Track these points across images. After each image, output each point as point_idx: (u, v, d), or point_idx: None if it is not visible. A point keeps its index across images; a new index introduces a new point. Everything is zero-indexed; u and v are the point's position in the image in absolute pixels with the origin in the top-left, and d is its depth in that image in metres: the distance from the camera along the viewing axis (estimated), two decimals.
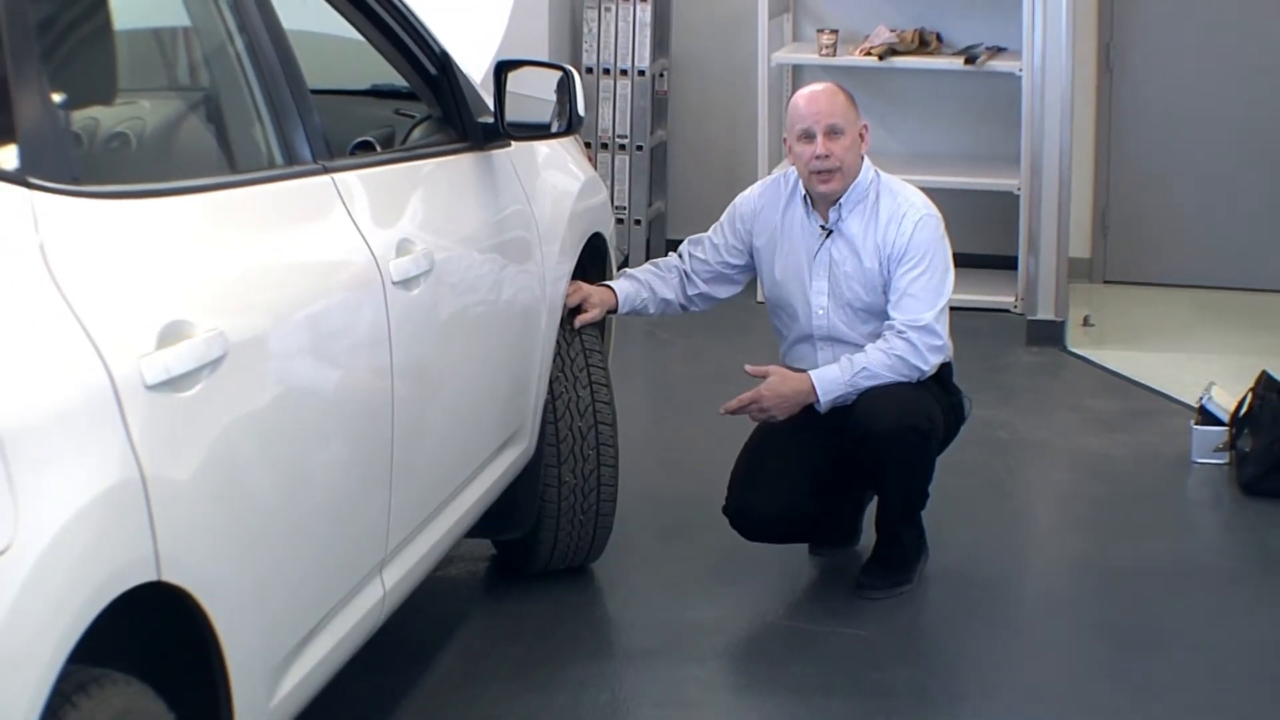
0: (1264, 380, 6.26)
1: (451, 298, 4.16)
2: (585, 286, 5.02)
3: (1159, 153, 8.66)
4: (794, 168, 5.10)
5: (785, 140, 5.12)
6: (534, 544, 5.08)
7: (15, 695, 2.45)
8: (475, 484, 4.43)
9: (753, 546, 5.11)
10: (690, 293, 5.26)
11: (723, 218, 5.27)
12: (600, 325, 5.18)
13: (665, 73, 8.95)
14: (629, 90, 8.64)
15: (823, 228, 5.04)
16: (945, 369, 5.09)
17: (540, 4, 7.99)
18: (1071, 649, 4.94)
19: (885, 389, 4.87)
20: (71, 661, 2.56)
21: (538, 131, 4.66)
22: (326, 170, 3.74)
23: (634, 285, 5.16)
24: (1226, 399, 6.33)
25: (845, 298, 5.04)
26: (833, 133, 4.92)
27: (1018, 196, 7.99)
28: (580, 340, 5.04)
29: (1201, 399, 6.41)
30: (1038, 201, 7.81)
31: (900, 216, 4.99)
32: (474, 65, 4.69)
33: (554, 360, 4.93)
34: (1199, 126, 8.58)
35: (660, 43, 8.78)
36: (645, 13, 8.49)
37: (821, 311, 5.07)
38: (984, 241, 8.04)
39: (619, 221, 7.87)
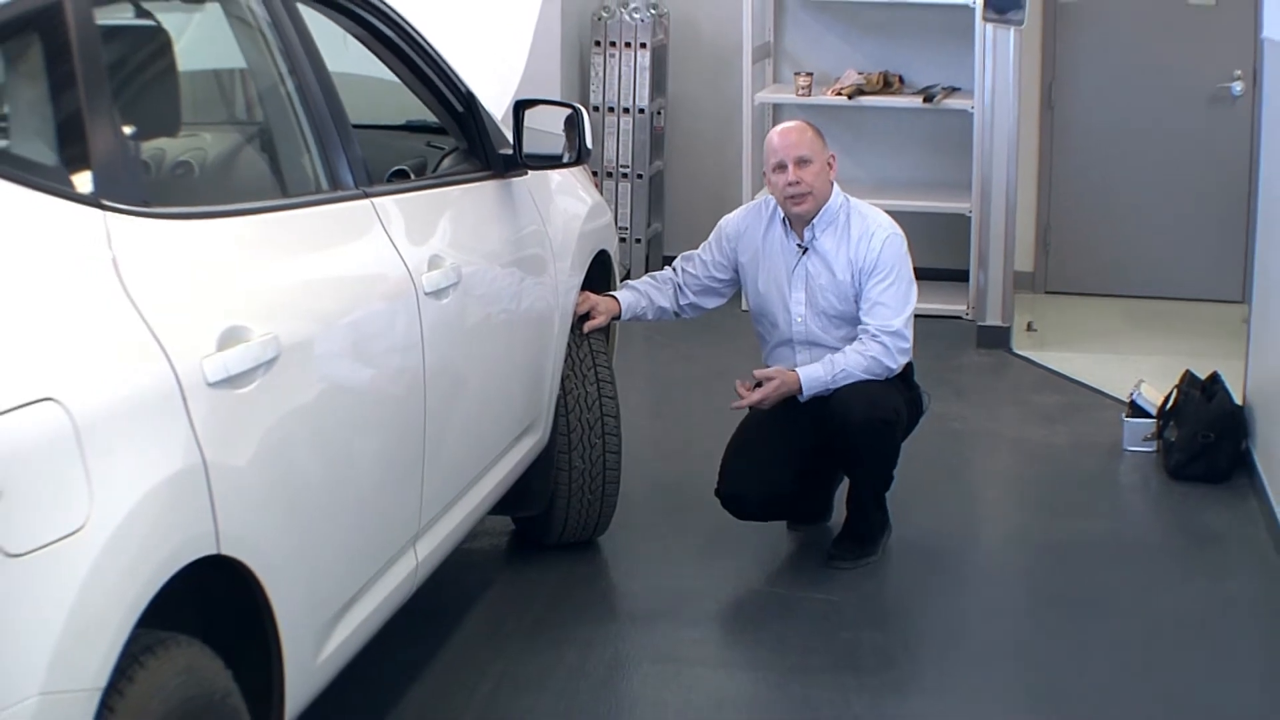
0: (1187, 378, 6.26)
1: (476, 306, 4.16)
2: (593, 296, 5.02)
3: (1093, 178, 8.66)
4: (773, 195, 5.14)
5: (765, 172, 5.16)
6: (548, 520, 5.09)
7: (90, 657, 2.45)
8: (497, 468, 4.43)
9: (739, 523, 5.12)
10: (682, 302, 5.29)
11: (710, 237, 5.31)
12: (605, 330, 5.18)
13: (662, 110, 8.94)
14: (630, 126, 8.63)
15: (799, 246, 5.07)
16: (907, 368, 5.11)
17: (553, 49, 7.99)
18: (1019, 614, 4.94)
19: (857, 386, 4.93)
20: (140, 626, 2.56)
21: (551, 161, 4.65)
22: (366, 195, 3.74)
23: (634, 295, 5.20)
24: (1154, 394, 6.33)
25: (820, 306, 5.07)
26: (802, 162, 4.98)
27: (969, 218, 7.99)
28: (588, 343, 5.04)
29: (1132, 394, 6.41)
30: (986, 222, 7.80)
31: (870, 235, 5.02)
32: (495, 103, 4.68)
33: (565, 360, 4.92)
34: (1128, 156, 8.57)
35: (658, 84, 8.77)
36: (644, 58, 8.49)
37: (800, 319, 5.10)
38: (939, 257, 8.02)
39: (621, 240, 7.87)
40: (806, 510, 5.34)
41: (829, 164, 5.09)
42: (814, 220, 5.06)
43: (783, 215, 5.12)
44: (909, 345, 5.02)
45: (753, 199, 5.96)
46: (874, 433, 4.94)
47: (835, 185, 5.12)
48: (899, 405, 5.03)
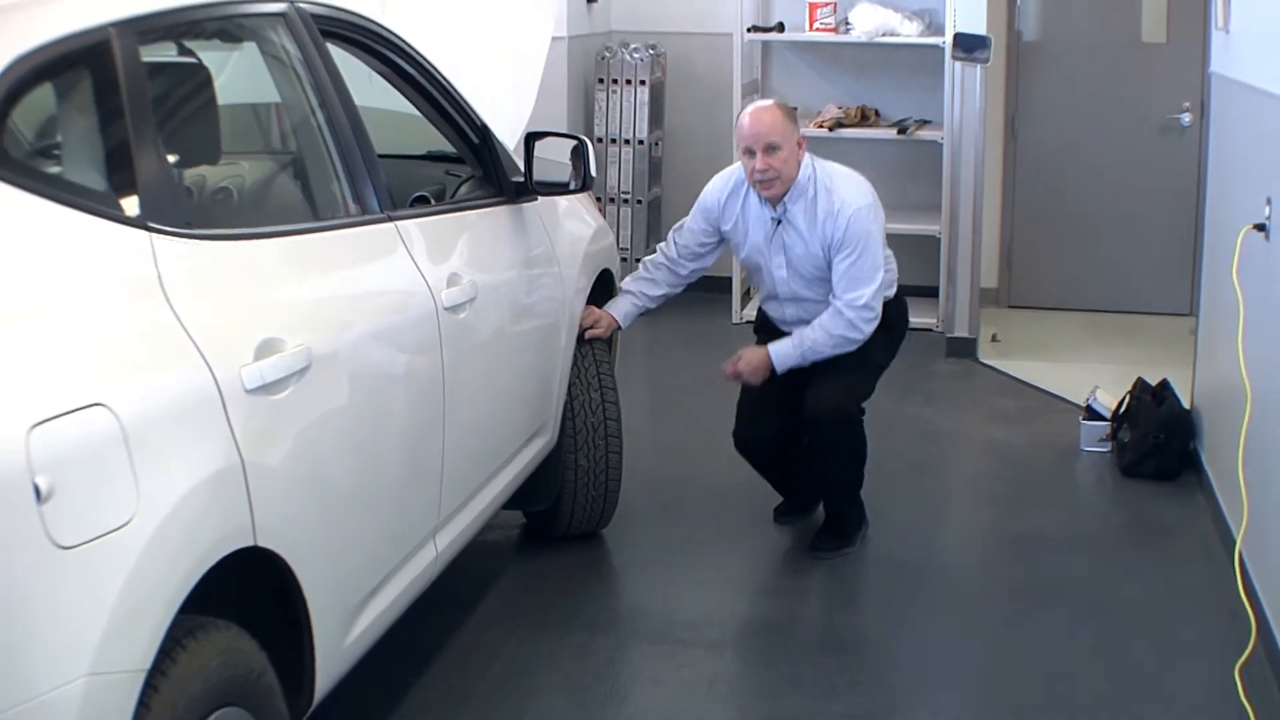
0: (1139, 384, 6.26)
1: (491, 320, 4.15)
2: (596, 311, 5.01)
3: (1053, 202, 8.65)
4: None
5: (737, 152, 4.98)
6: (556, 515, 5.09)
7: (136, 641, 2.45)
8: (509, 467, 4.43)
9: (731, 520, 5.13)
10: (682, 274, 5.18)
11: (694, 209, 5.16)
12: (608, 341, 5.17)
13: (660, 142, 8.93)
14: (631, 156, 8.63)
15: (774, 218, 4.93)
16: (889, 306, 5.03)
17: (560, 86, 7.99)
18: (983, 599, 4.92)
19: (829, 379, 4.91)
20: (182, 612, 2.56)
21: (559, 188, 4.65)
22: (390, 219, 3.74)
23: (631, 302, 5.13)
24: (1108, 399, 6.32)
25: (799, 270, 4.96)
26: (770, 149, 4.77)
27: (939, 239, 7.98)
28: (593, 353, 5.03)
29: (1088, 399, 6.41)
30: (955, 243, 7.81)
31: (835, 213, 4.83)
32: (508, 135, 4.69)
33: (572, 369, 4.92)
34: (1085, 181, 8.55)
35: (656, 118, 8.76)
36: (644, 94, 8.48)
37: (783, 279, 5.00)
38: (912, 275, 7.91)
39: (623, 259, 7.83)
40: (796, 495, 5.35)
41: (799, 145, 4.86)
42: (783, 199, 4.88)
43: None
44: (876, 314, 4.88)
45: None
46: (839, 430, 4.92)
47: (806, 157, 4.90)
48: (865, 388, 5.04)
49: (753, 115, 4.85)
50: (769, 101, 5.02)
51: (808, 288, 4.98)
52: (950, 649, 4.55)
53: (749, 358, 4.99)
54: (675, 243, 5.18)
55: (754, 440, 5.18)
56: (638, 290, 5.15)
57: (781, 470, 5.32)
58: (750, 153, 4.80)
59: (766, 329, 5.26)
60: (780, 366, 4.91)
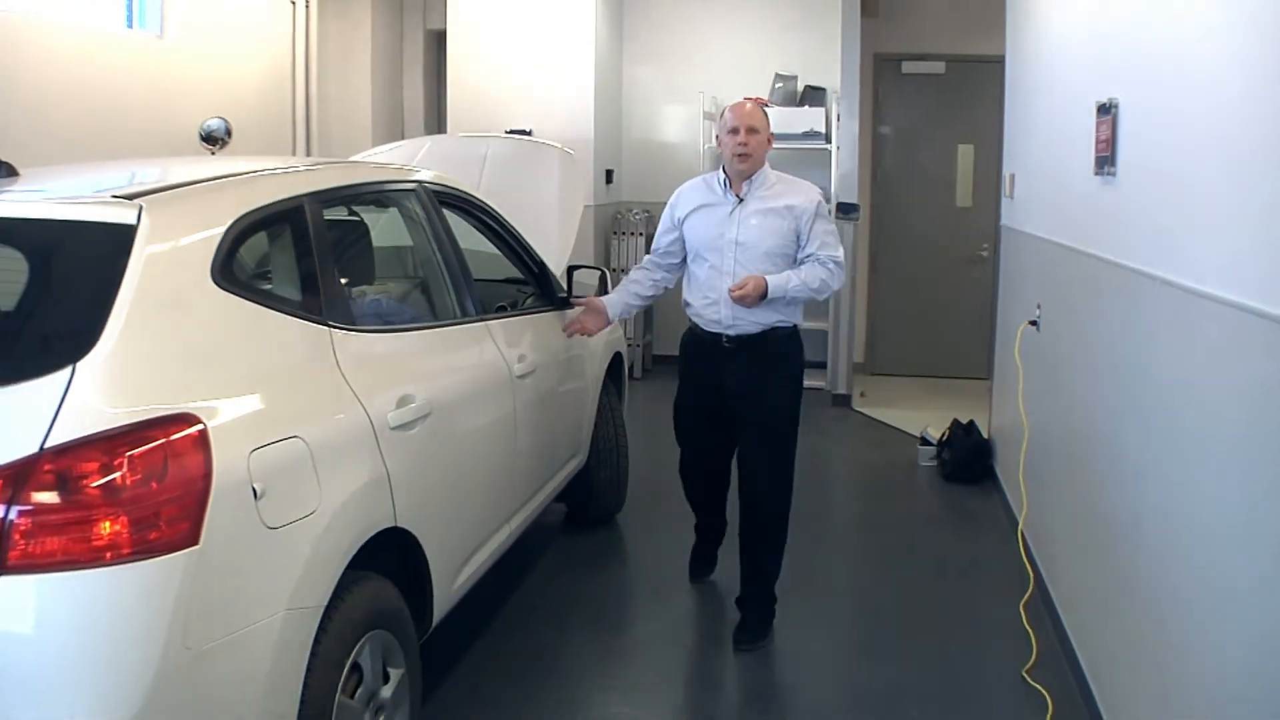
0: (954, 423, 6.23)
1: (545, 383, 4.13)
2: (587, 324, 4.31)
3: (900, 308, 8.64)
4: (716, 171, 4.01)
5: (718, 136, 4.01)
6: (586, 506, 5.03)
7: (317, 587, 2.43)
8: (556, 476, 4.39)
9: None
10: (657, 278, 4.16)
11: (661, 218, 4.15)
12: (619, 391, 5.09)
13: None
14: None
15: (738, 198, 3.89)
16: (799, 348, 4.03)
17: (589, 235, 7.98)
18: (857, 562, 4.87)
19: (762, 465, 3.97)
20: (349, 569, 2.54)
21: None
22: (482, 320, 3.73)
23: (623, 303, 4.24)
24: (935, 432, 6.30)
25: (752, 246, 3.84)
26: (751, 130, 3.85)
27: (827, 332, 7.95)
28: (609, 403, 4.98)
29: (922, 433, 6.37)
30: (837, 334, 7.75)
31: (805, 190, 3.91)
32: (556, 265, 4.68)
33: (596, 414, 4.87)
34: (924, 292, 8.55)
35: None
36: (640, 240, 8.44)
37: (730, 260, 3.86)
38: (811, 354, 7.93)
39: (630, 345, 7.84)
40: (717, 505, 4.36)
41: (769, 140, 3.94)
42: (750, 179, 3.90)
43: (722, 178, 3.95)
44: (844, 273, 3.97)
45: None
46: (770, 501, 4.02)
47: (767, 161, 3.97)
48: (790, 462, 4.03)
49: (739, 105, 3.97)
50: (752, 100, 4.19)
51: (752, 264, 3.85)
52: (829, 596, 4.50)
53: (755, 283, 3.78)
54: (653, 261, 4.18)
55: (687, 459, 4.26)
56: (629, 293, 4.24)
57: (713, 494, 4.32)
58: (735, 131, 3.87)
59: (698, 349, 4.04)
60: (773, 292, 3.79)
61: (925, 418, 6.81)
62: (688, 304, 4.00)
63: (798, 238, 3.86)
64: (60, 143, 5.24)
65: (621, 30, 8.67)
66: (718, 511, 4.40)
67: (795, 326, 3.96)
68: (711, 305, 3.90)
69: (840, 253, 3.87)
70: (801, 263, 3.86)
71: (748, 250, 3.84)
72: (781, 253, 3.85)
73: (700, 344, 3.98)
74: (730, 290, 3.79)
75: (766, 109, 4.13)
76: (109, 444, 2.05)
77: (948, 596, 4.41)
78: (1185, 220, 2.67)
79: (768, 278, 3.78)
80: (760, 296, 3.77)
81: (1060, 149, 4.25)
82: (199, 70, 6.51)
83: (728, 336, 3.89)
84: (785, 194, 3.88)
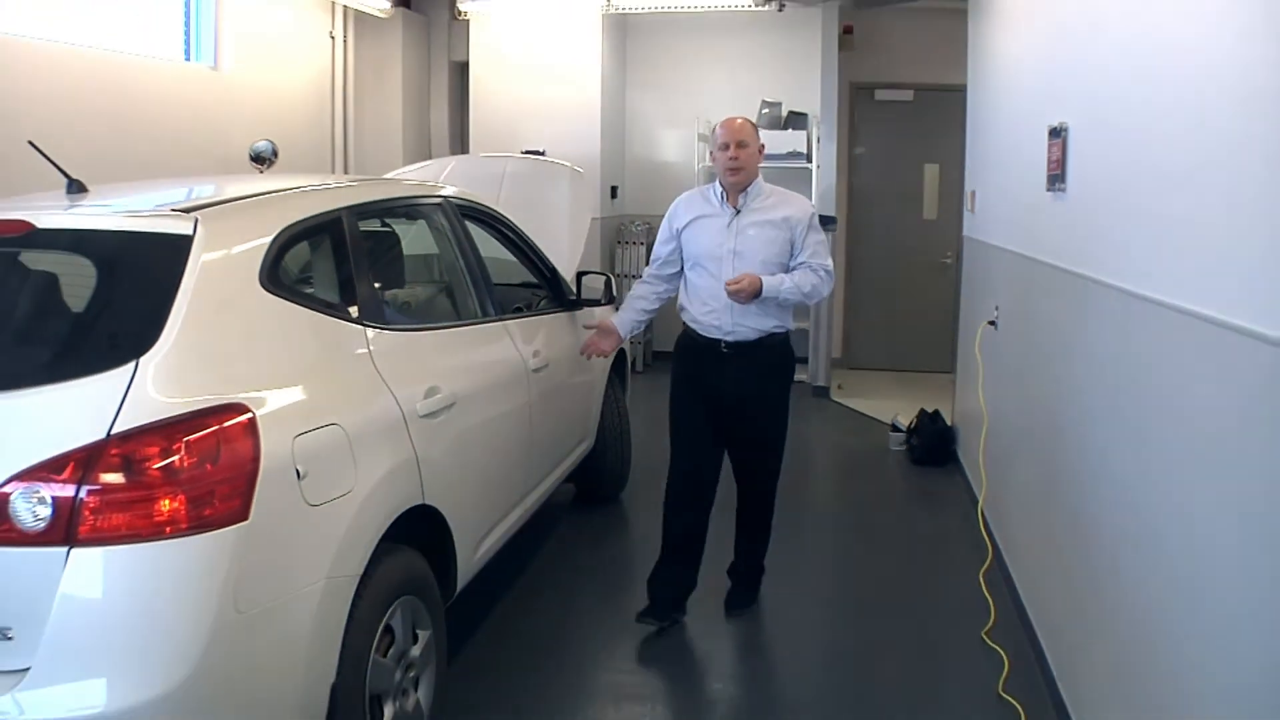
0: (922, 412, 6.21)
1: (557, 377, 4.12)
2: (601, 344, 4.14)
3: (873, 309, 8.61)
4: (712, 183, 3.78)
5: (711, 153, 3.77)
6: (594, 485, 5.02)
7: (354, 558, 2.43)
8: (567, 459, 4.39)
9: None
10: (659, 290, 3.95)
11: (660, 229, 3.91)
12: (623, 383, 5.08)
13: None
14: (635, 283, 8.59)
15: (735, 209, 3.67)
16: (791, 349, 3.86)
17: (595, 245, 7.96)
18: (834, 536, 4.86)
19: (755, 461, 3.90)
20: (382, 541, 2.54)
21: (595, 303, 4.64)
22: (500, 320, 3.72)
23: (632, 320, 4.04)
24: (905, 420, 6.28)
25: (749, 255, 3.63)
26: (741, 145, 3.62)
27: (809, 330, 7.91)
28: (614, 393, 4.97)
29: (893, 420, 6.36)
30: (818, 332, 7.73)
31: (799, 203, 3.70)
32: (566, 270, 4.68)
33: (602, 403, 4.86)
34: (895, 297, 8.53)
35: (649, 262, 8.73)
36: (641, 249, 8.43)
37: (730, 267, 3.65)
38: (795, 350, 7.99)
39: (631, 343, 7.82)
40: (699, 528, 3.95)
41: (760, 150, 3.70)
42: (745, 191, 3.67)
43: (719, 190, 3.72)
44: (834, 280, 3.77)
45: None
46: (763, 492, 3.98)
47: (760, 173, 3.74)
48: (780, 448, 3.91)
49: (730, 121, 3.71)
50: (741, 116, 3.82)
51: (750, 270, 3.64)
52: (813, 568, 4.49)
53: (751, 279, 3.58)
54: (653, 272, 3.95)
55: (675, 480, 3.94)
56: (636, 308, 4.01)
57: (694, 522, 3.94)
58: (726, 146, 3.65)
59: (694, 353, 3.83)
60: (767, 291, 3.59)
61: (896, 407, 6.80)
62: (684, 310, 3.82)
63: (791, 247, 3.69)
64: (127, 165, 5.25)
65: (625, 61, 8.66)
66: (697, 542, 3.89)
67: (788, 333, 3.81)
68: (712, 313, 3.71)
69: (830, 262, 3.71)
70: (794, 269, 3.70)
71: (745, 259, 3.64)
72: (777, 261, 3.68)
73: (696, 348, 3.78)
74: (727, 283, 3.59)
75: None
76: (168, 430, 2.06)
77: (915, 567, 4.41)
78: (1127, 231, 2.68)
79: (763, 277, 3.60)
80: (755, 294, 3.58)
81: (1016, 168, 4.24)
82: (249, 97, 6.53)
83: (726, 343, 3.71)
84: (780, 206, 3.70)
